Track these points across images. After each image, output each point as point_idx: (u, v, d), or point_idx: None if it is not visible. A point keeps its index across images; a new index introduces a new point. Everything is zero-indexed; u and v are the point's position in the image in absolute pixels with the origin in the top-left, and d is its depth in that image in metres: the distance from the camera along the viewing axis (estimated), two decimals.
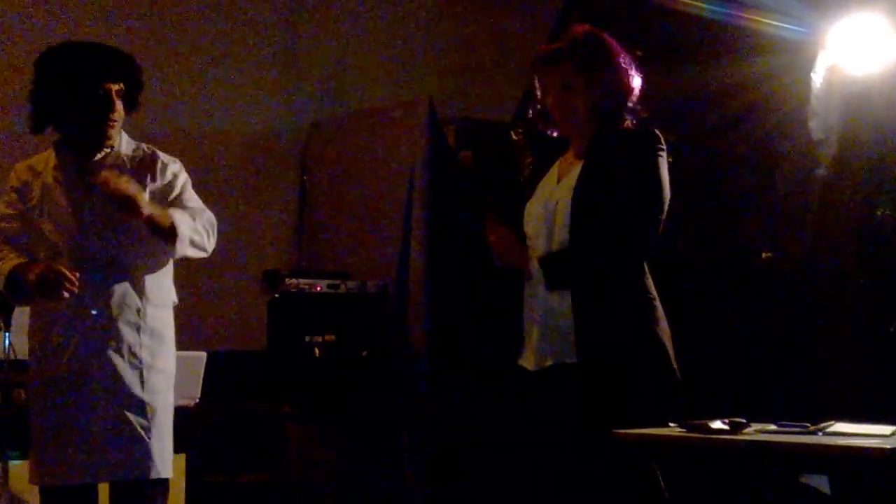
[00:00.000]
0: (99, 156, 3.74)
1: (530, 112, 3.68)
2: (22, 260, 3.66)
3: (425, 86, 6.42)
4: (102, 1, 6.06)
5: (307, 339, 5.47)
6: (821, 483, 3.44)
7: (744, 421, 3.07)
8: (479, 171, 5.82)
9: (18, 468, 4.57)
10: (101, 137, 3.73)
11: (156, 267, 3.76)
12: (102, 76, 3.67)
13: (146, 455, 3.64)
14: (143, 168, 3.77)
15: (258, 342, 5.78)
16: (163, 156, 3.83)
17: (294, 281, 5.59)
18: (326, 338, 5.47)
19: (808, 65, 4.86)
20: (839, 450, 2.81)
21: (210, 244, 3.79)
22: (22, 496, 4.65)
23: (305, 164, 6.63)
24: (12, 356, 4.58)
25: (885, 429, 3.00)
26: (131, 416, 3.63)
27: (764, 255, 4.78)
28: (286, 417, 5.63)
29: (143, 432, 3.63)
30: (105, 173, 3.55)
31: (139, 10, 6.12)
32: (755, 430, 3.08)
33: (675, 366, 3.39)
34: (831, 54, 4.85)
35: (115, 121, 3.71)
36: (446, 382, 5.59)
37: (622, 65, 3.56)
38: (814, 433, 3.00)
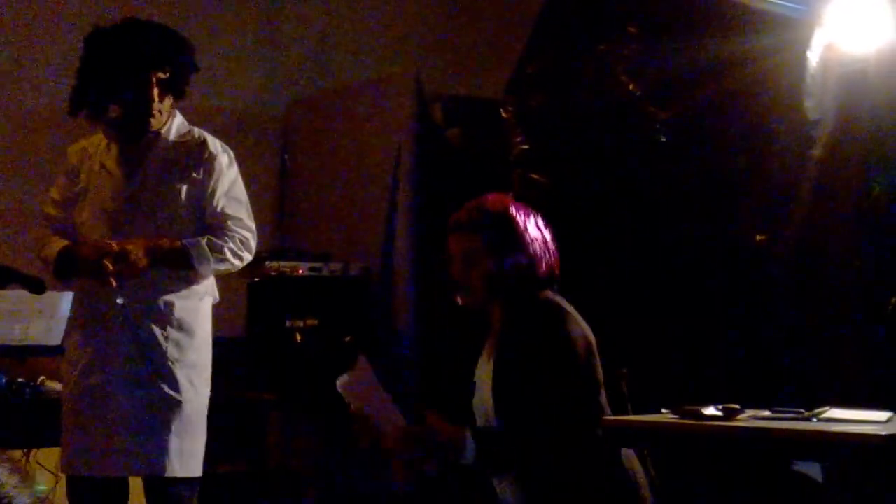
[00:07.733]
0: (142, 141, 3.67)
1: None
2: (67, 243, 3.63)
3: (411, 61, 6.26)
4: None
5: (288, 323, 5.33)
6: (811, 469, 3.36)
7: (738, 407, 3.00)
8: (468, 149, 5.68)
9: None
10: (141, 125, 3.64)
11: None
12: (146, 63, 3.57)
13: (162, 451, 3.53)
14: (188, 155, 3.67)
15: (237, 328, 5.62)
16: (213, 146, 3.71)
17: (275, 264, 5.42)
18: (308, 322, 5.33)
19: (804, 43, 4.77)
20: (835, 436, 2.75)
21: (240, 261, 3.71)
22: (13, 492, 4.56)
23: (286, 141, 6.47)
24: None
25: (881, 415, 2.94)
26: (149, 411, 3.53)
27: (758, 237, 4.72)
28: (267, 405, 5.50)
29: (160, 427, 3.53)
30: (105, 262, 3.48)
31: None
32: (749, 416, 3.00)
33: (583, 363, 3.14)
34: (828, 32, 4.76)
35: (154, 110, 3.62)
36: (432, 367, 5.48)
37: (530, 242, 3.20)
38: (808, 419, 2.93)
